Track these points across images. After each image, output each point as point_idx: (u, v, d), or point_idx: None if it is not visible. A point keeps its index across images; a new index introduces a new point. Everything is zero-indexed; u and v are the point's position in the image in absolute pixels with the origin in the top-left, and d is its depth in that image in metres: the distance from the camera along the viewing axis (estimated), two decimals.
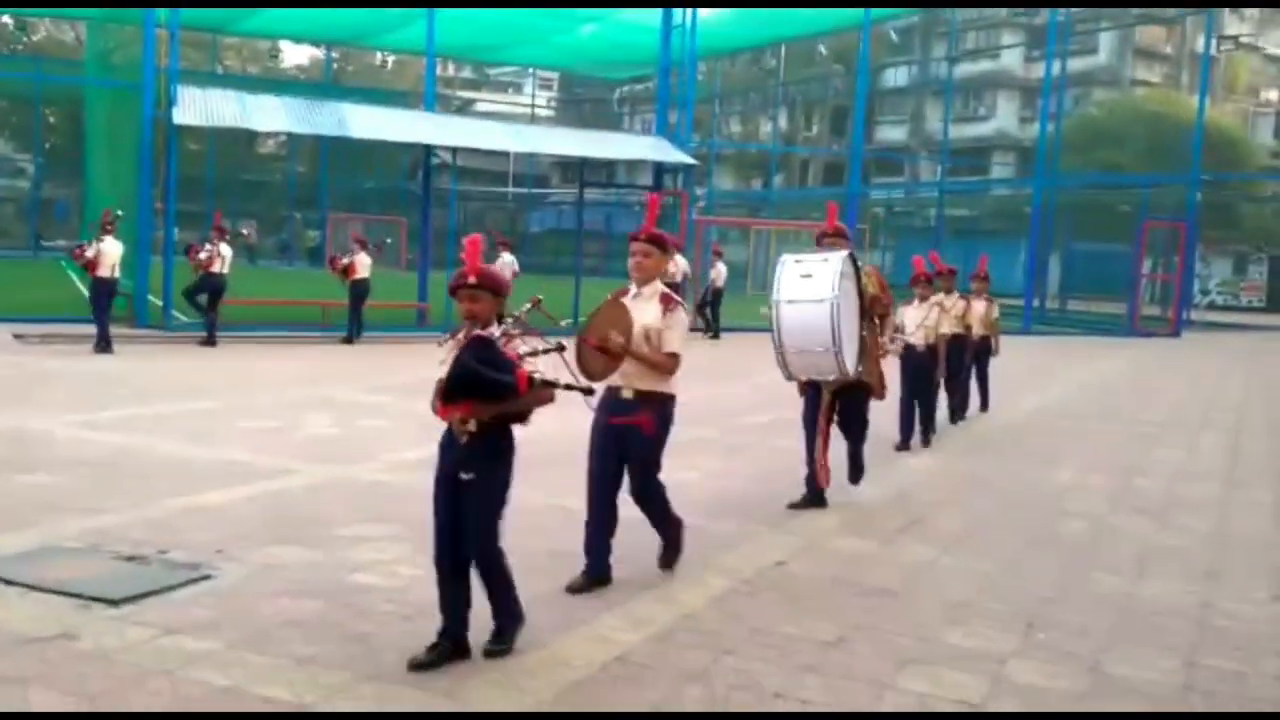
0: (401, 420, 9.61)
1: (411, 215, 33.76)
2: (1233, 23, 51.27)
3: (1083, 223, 35.93)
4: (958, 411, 10.76)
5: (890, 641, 4.59)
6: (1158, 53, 53.08)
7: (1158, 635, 4.79)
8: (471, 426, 4.04)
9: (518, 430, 4.15)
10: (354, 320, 16.27)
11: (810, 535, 6.28)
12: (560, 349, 4.21)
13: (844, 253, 6.58)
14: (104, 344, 13.46)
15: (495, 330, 4.07)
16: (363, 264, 16.31)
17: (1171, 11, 42.45)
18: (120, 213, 14.41)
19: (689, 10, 21.52)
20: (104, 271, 13.65)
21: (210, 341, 14.80)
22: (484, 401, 3.98)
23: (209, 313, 15.06)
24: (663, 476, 5.32)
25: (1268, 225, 43.36)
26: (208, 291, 15.03)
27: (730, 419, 9.96)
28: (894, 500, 7.40)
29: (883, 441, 8.63)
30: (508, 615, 4.23)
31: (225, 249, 15.11)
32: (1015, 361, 17.64)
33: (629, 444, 5.09)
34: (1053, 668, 4.36)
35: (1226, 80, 51.18)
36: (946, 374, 9.86)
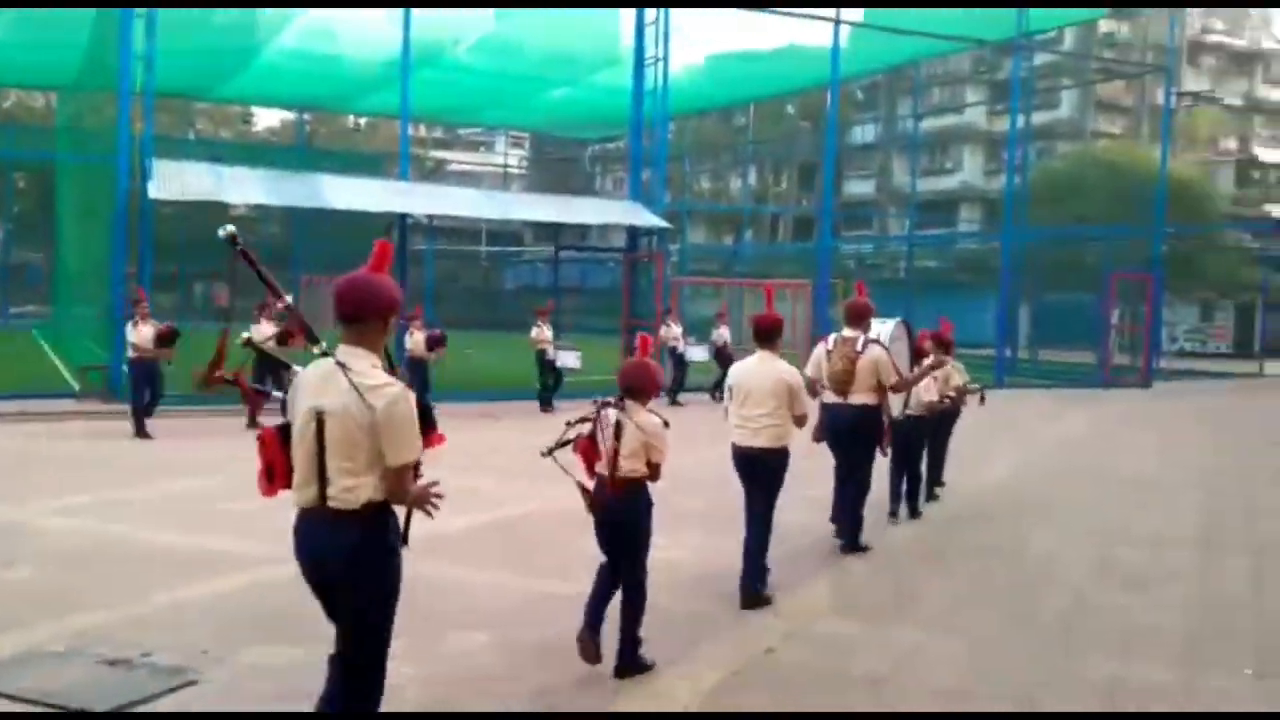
0: None
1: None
2: (1190, 78, 52.52)
3: (1051, 274, 36.39)
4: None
5: None
6: (1118, 105, 54.18)
7: None
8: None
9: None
10: None
11: (798, 618, 6.29)
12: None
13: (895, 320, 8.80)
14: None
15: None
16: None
17: (1132, 68, 43.47)
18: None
19: (660, 74, 21.81)
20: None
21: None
22: None
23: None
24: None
25: (1231, 272, 44.07)
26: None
27: (717, 490, 9.91)
28: (881, 574, 7.42)
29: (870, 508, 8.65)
30: None
31: (146, 330, 13.22)
32: (991, 417, 17.77)
33: None
34: None
35: (1187, 131, 52.25)
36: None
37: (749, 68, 30.38)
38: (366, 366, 3.30)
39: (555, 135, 50.98)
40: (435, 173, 54.87)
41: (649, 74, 21.78)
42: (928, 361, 8.86)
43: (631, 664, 5.12)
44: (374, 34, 24.54)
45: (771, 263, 47.59)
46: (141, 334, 13.06)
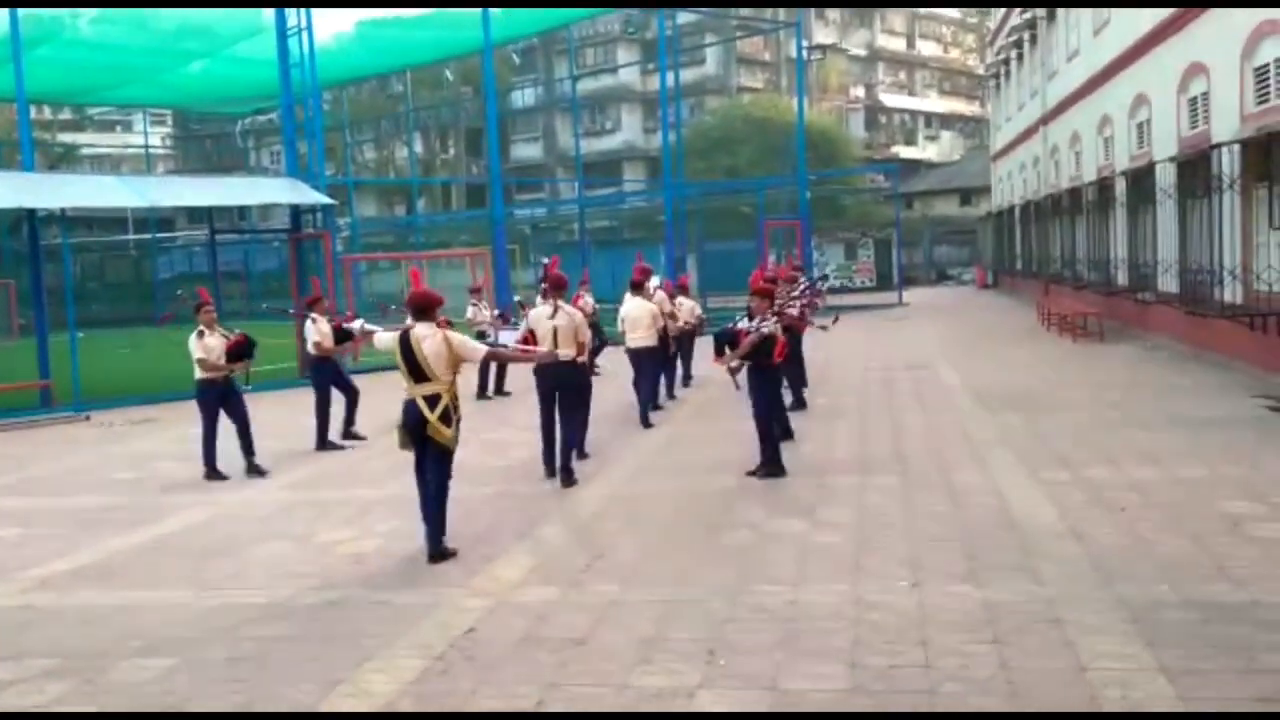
0: (47, 524, 8.72)
1: (19, 275, 30.63)
2: (819, 30, 56.48)
3: (712, 224, 38.40)
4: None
5: (585, 696, 4.72)
6: (758, 60, 57.50)
7: (822, 641, 5.22)
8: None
9: None
10: None
11: (497, 592, 6.32)
12: None
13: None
14: None
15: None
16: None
17: (766, 24, 46.20)
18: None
19: (305, 43, 20.86)
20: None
21: None
22: None
23: None
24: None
25: (868, 212, 48.25)
26: None
27: (401, 475, 9.77)
28: (576, 535, 7.58)
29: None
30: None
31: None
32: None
33: None
34: (736, 694, 4.66)
35: (820, 82, 56.28)
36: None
37: (401, 34, 29.67)
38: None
39: (200, 111, 47.89)
40: (66, 159, 50.12)
41: (294, 44, 20.81)
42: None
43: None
44: None
45: (448, 232, 47.14)
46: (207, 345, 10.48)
